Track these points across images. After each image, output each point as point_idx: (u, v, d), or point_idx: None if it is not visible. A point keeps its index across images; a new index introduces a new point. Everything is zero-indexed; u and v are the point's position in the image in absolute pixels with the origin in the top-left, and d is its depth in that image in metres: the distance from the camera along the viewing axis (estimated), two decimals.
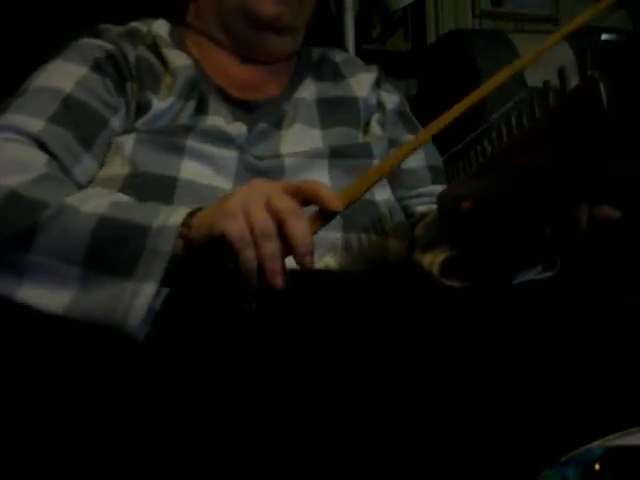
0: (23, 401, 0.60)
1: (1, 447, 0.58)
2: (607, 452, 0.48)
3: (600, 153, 0.51)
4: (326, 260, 0.79)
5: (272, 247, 0.59)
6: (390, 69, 1.32)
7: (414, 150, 0.69)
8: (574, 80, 0.51)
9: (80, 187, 0.78)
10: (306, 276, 0.62)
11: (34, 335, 0.63)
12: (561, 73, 0.53)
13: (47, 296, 0.64)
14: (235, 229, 0.59)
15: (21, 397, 0.60)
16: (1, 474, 0.57)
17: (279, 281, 0.58)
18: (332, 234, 0.80)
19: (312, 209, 0.62)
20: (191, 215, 0.64)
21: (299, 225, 0.59)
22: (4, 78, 0.89)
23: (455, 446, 0.55)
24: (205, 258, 0.63)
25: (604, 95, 0.48)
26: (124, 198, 0.70)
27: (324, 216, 0.62)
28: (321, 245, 0.79)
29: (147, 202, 0.70)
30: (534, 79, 1.51)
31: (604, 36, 1.79)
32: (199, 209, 0.65)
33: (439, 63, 1.77)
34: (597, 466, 0.48)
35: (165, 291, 0.62)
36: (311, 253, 0.59)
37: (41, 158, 0.75)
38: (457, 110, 0.66)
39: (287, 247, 0.59)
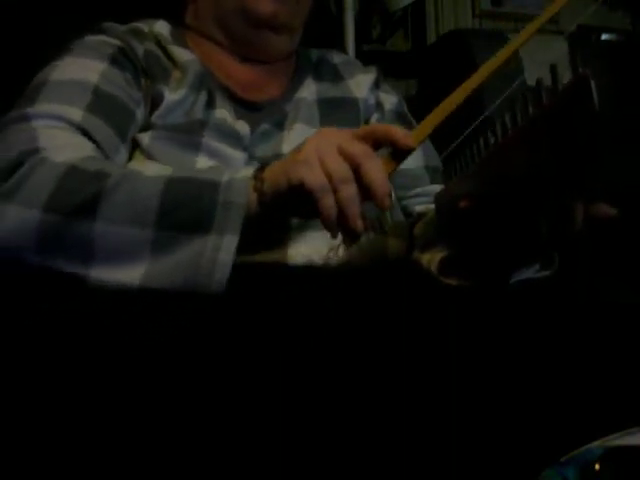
0: (27, 399, 0.60)
1: (2, 445, 0.58)
2: (607, 452, 0.48)
3: (593, 150, 0.51)
4: (325, 259, 0.79)
5: (351, 191, 0.59)
6: (390, 69, 1.32)
7: (471, 92, 0.66)
8: (568, 77, 0.51)
9: None
10: (305, 275, 0.63)
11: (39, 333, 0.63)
12: (553, 70, 0.53)
13: (121, 269, 0.62)
14: (313, 177, 0.59)
15: (25, 395, 0.60)
16: (1, 474, 0.57)
17: (360, 225, 0.59)
18: None
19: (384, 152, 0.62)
20: (261, 169, 0.64)
21: (375, 167, 0.59)
22: (4, 78, 0.89)
23: (455, 446, 0.55)
24: (283, 207, 0.63)
25: (595, 92, 0.48)
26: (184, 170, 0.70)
27: (398, 155, 0.62)
28: (320, 244, 0.79)
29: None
30: (534, 78, 1.52)
31: (604, 36, 1.79)
32: (265, 165, 0.65)
33: (439, 63, 1.77)
34: (597, 466, 0.48)
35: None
36: (390, 194, 0.60)
37: (89, 144, 0.75)
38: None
39: (364, 191, 0.59)
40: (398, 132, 0.62)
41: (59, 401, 0.56)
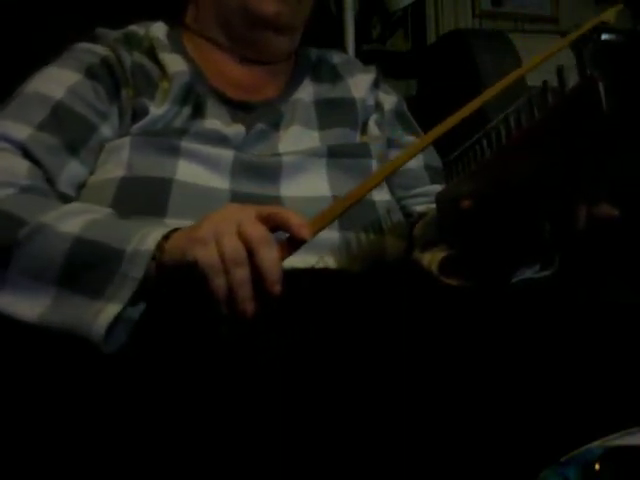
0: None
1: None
2: (607, 452, 0.48)
3: (599, 152, 0.51)
4: (325, 260, 0.79)
5: (242, 274, 0.59)
6: (390, 69, 1.32)
7: (385, 176, 0.69)
8: (573, 79, 0.51)
9: (66, 194, 0.80)
10: (305, 276, 0.63)
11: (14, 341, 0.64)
12: (560, 73, 0.53)
13: (23, 306, 0.66)
14: (206, 256, 0.59)
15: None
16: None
17: (249, 308, 0.59)
18: (331, 234, 0.81)
19: (284, 234, 0.62)
20: (166, 237, 0.64)
21: (269, 253, 0.59)
22: (4, 79, 0.89)
23: (455, 446, 0.55)
24: (177, 282, 0.63)
25: (603, 95, 0.48)
26: (102, 216, 0.71)
27: (294, 243, 0.62)
28: (321, 245, 0.79)
29: (124, 221, 0.71)
30: (534, 79, 1.52)
31: (604, 36, 1.79)
32: (175, 230, 0.65)
33: (439, 63, 1.77)
34: (597, 466, 0.48)
35: (142, 307, 0.63)
36: (280, 281, 0.59)
37: (24, 167, 0.77)
38: (440, 129, 0.66)
39: (256, 275, 0.59)
40: (295, 221, 0.62)
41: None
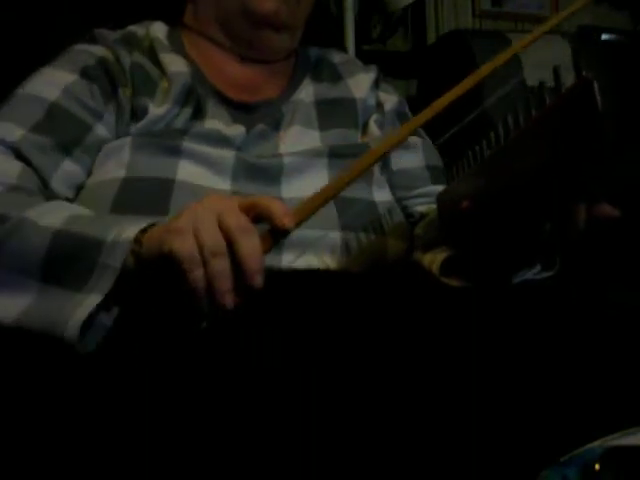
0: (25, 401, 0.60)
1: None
2: (607, 452, 0.48)
3: (595, 152, 0.51)
4: (325, 260, 0.79)
5: (221, 265, 0.57)
6: (390, 69, 1.32)
7: (370, 165, 0.66)
8: (571, 79, 0.51)
9: (61, 193, 0.80)
10: (305, 276, 0.63)
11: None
12: (556, 72, 0.53)
13: (3, 304, 0.65)
14: (183, 247, 0.57)
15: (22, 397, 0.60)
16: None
17: (228, 300, 0.57)
18: (332, 234, 0.81)
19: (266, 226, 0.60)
20: (145, 231, 0.63)
21: (249, 243, 0.57)
22: (4, 80, 0.89)
23: (455, 446, 0.55)
24: (156, 275, 0.61)
25: (598, 95, 0.48)
26: (84, 212, 0.71)
27: (277, 234, 0.60)
28: (321, 245, 0.79)
29: (105, 216, 0.71)
30: (534, 79, 1.52)
31: (604, 36, 1.79)
32: (154, 224, 0.63)
33: (439, 63, 1.77)
34: (597, 466, 0.48)
35: (117, 308, 0.63)
36: (261, 272, 0.57)
37: (15, 168, 0.77)
38: (429, 112, 0.66)
39: (236, 266, 0.57)
40: (277, 210, 0.59)
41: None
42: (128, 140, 0.82)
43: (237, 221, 0.58)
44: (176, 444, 0.54)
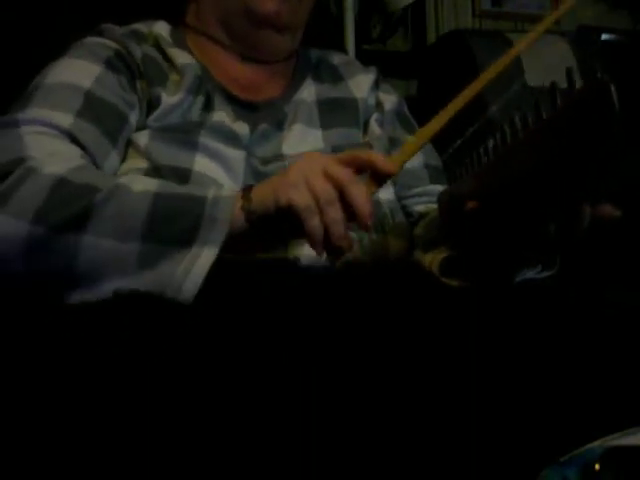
0: (24, 398, 0.60)
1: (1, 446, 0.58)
2: (607, 452, 0.48)
3: (606, 154, 0.51)
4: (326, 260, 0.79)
5: (336, 213, 0.62)
6: (390, 69, 1.32)
7: (448, 119, 0.70)
8: (577, 82, 0.51)
9: None
10: (307, 275, 0.63)
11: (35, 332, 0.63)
12: (569, 74, 0.53)
13: (104, 282, 0.64)
14: (300, 198, 0.62)
15: (21, 394, 0.60)
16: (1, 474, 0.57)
17: (345, 244, 0.63)
18: None
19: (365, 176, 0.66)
20: (248, 189, 0.66)
21: (358, 190, 0.63)
22: (5, 78, 0.89)
23: (455, 446, 0.55)
24: (269, 228, 0.65)
25: (615, 97, 0.48)
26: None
27: (379, 179, 0.66)
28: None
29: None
30: (534, 79, 1.52)
31: (604, 36, 1.79)
32: (251, 185, 0.67)
33: (439, 63, 1.77)
34: (597, 466, 0.48)
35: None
36: (371, 216, 0.63)
37: (77, 152, 0.76)
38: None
39: (348, 212, 0.63)
40: (379, 159, 0.66)
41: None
42: (146, 132, 0.82)
43: (343, 172, 0.64)
44: (178, 443, 0.54)
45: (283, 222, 0.64)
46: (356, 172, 0.66)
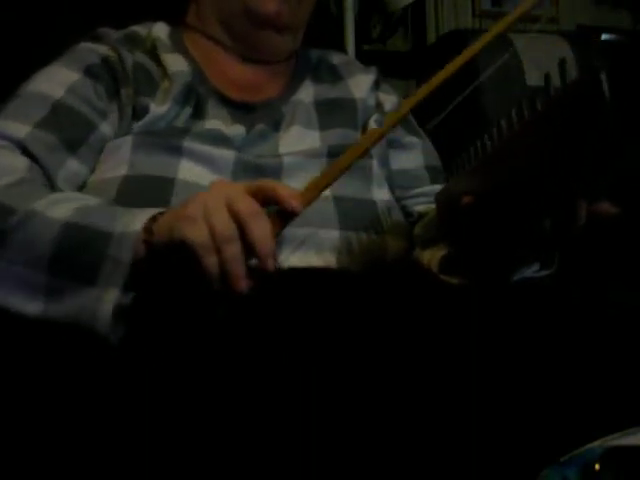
0: (27, 398, 0.60)
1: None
2: (607, 452, 0.48)
3: (600, 146, 0.50)
4: (325, 258, 0.79)
5: (234, 250, 0.57)
6: (390, 69, 1.32)
7: (374, 142, 0.68)
8: (573, 76, 0.51)
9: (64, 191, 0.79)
10: (305, 275, 0.63)
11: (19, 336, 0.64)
12: (562, 66, 0.52)
13: (21, 301, 0.65)
14: (195, 234, 0.58)
15: (24, 394, 0.60)
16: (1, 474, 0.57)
17: (242, 285, 0.58)
18: (331, 233, 0.81)
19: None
20: (155, 219, 0.63)
21: (260, 227, 0.58)
22: (4, 79, 0.89)
23: (455, 446, 0.55)
24: (168, 263, 0.62)
25: (605, 85, 0.47)
26: (93, 203, 0.70)
27: (285, 216, 0.61)
28: (320, 244, 0.79)
29: (114, 206, 0.70)
30: (534, 79, 1.52)
31: (604, 36, 1.79)
32: (163, 212, 0.64)
33: (439, 63, 1.77)
34: (597, 466, 0.48)
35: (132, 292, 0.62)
36: (273, 255, 0.58)
37: (23, 163, 0.77)
38: (425, 90, 0.67)
39: (249, 250, 0.58)
40: (284, 192, 0.61)
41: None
42: (129, 138, 0.82)
43: (246, 206, 0.59)
44: (178, 441, 0.54)
45: (180, 259, 0.59)
46: (264, 203, 0.60)
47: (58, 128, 0.81)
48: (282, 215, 0.61)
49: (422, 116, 0.69)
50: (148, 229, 0.62)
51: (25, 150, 0.78)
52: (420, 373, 0.56)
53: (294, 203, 0.60)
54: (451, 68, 0.67)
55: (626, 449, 0.48)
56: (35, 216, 0.67)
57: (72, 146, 0.81)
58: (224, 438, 0.53)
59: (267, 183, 0.62)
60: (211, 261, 0.57)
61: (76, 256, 0.64)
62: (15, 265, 0.65)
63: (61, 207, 0.68)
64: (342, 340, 0.57)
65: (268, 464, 0.53)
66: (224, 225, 0.58)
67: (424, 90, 0.66)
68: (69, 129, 0.82)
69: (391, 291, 0.64)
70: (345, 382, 0.55)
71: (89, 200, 0.71)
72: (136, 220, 0.63)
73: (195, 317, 0.59)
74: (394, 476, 0.54)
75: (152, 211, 0.64)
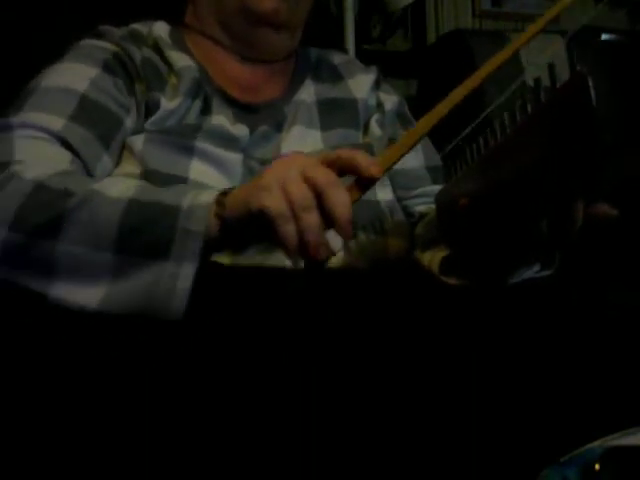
0: (27, 399, 0.60)
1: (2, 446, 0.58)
2: (607, 452, 0.48)
3: (591, 148, 0.51)
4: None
5: (312, 219, 0.57)
6: (390, 69, 1.32)
7: (440, 117, 0.66)
8: (567, 76, 0.51)
9: None
10: (306, 276, 0.63)
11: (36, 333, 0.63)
12: (551, 69, 0.53)
13: (81, 290, 0.62)
14: (273, 204, 0.58)
15: (25, 394, 0.60)
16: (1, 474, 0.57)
17: (322, 253, 0.58)
18: (331, 233, 0.81)
19: (350, 178, 0.62)
20: (224, 194, 0.63)
21: (338, 194, 0.58)
22: (5, 78, 0.89)
23: (455, 446, 0.55)
24: (242, 237, 0.62)
25: (592, 89, 0.48)
26: (150, 184, 0.69)
27: (363, 184, 0.61)
28: None
29: (176, 185, 0.69)
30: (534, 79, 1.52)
31: (604, 36, 1.79)
32: (231, 189, 0.64)
33: (439, 63, 1.78)
34: (597, 466, 0.48)
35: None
36: (351, 223, 0.58)
37: (66, 156, 0.75)
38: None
39: (327, 219, 0.58)
40: (362, 160, 0.61)
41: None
42: (142, 136, 0.82)
43: (323, 175, 0.59)
44: (178, 446, 0.54)
45: (257, 229, 0.60)
46: (340, 174, 0.61)
47: (91, 123, 0.79)
48: (360, 182, 0.61)
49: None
50: (220, 202, 0.62)
51: (65, 143, 0.76)
52: (420, 373, 0.56)
53: (373, 170, 0.60)
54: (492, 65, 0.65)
55: (626, 449, 0.48)
56: (96, 195, 0.65)
57: (106, 141, 0.80)
58: (229, 439, 0.53)
59: (345, 152, 0.62)
60: (289, 229, 0.57)
61: (144, 231, 0.62)
62: (78, 245, 0.63)
63: (121, 186, 0.66)
64: (342, 340, 0.58)
65: (269, 465, 0.53)
66: (302, 194, 0.58)
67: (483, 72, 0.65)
68: (100, 124, 0.80)
69: (391, 292, 0.64)
70: (345, 382, 0.55)
71: (145, 182, 0.70)
72: (204, 194, 0.63)
73: (268, 291, 0.59)
74: (394, 476, 0.54)
75: (217, 189, 0.64)
